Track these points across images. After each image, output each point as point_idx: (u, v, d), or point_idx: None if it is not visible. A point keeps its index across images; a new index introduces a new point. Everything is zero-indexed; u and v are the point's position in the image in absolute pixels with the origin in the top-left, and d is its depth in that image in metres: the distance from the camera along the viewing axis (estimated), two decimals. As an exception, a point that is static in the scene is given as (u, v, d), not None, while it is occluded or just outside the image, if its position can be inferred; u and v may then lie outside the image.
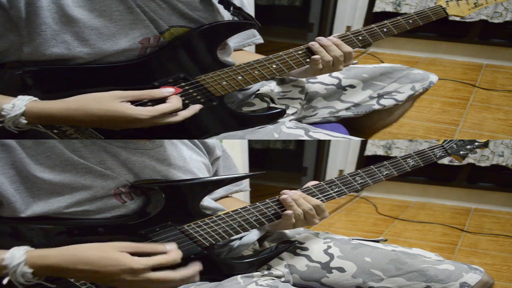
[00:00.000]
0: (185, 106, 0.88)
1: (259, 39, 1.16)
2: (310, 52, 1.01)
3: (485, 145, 1.17)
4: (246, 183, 1.17)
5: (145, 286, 0.78)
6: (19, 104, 0.78)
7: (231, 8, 0.94)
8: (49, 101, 0.80)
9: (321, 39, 1.01)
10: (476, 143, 1.15)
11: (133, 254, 0.77)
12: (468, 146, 1.13)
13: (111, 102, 0.80)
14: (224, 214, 0.90)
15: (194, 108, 0.89)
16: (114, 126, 0.84)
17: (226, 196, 1.13)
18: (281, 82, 1.19)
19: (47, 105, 0.80)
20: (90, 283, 0.82)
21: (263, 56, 0.98)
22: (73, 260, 0.75)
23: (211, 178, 0.94)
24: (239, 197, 1.21)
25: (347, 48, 1.02)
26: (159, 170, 0.89)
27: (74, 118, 0.80)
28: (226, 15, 0.96)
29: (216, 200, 1.10)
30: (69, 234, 0.81)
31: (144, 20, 0.85)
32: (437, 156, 1.09)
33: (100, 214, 0.84)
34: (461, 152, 1.13)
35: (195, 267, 0.85)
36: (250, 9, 1.90)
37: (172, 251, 0.81)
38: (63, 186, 0.80)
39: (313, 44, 1.00)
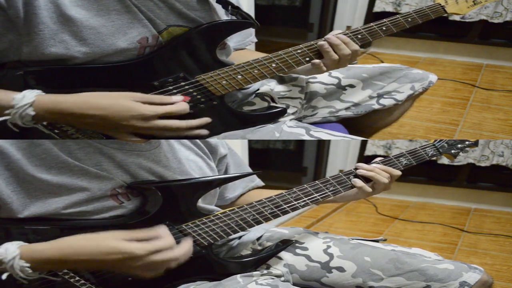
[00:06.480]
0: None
1: (254, 38, 1.16)
2: (315, 51, 1.01)
3: (475, 144, 1.19)
4: (258, 178, 1.16)
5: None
6: (29, 95, 0.78)
7: (229, 8, 0.94)
8: (57, 94, 0.81)
9: (331, 37, 1.00)
10: (467, 142, 1.17)
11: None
12: (459, 145, 1.15)
13: (122, 98, 0.81)
14: (221, 213, 0.90)
15: (204, 120, 0.90)
16: (119, 123, 0.82)
17: (245, 193, 1.12)
18: (281, 82, 1.19)
19: (55, 97, 0.80)
20: (90, 283, 0.81)
21: (264, 55, 0.98)
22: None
23: (207, 178, 0.94)
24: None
25: (355, 47, 1.02)
26: (155, 172, 0.89)
27: (81, 110, 0.80)
28: (224, 15, 0.96)
29: (237, 199, 1.10)
30: (67, 235, 0.80)
31: (142, 19, 0.85)
32: (429, 155, 1.10)
33: (97, 214, 0.83)
34: (452, 151, 1.14)
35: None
36: (250, 9, 1.90)
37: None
38: (60, 187, 0.80)
39: (323, 45, 1.00)
